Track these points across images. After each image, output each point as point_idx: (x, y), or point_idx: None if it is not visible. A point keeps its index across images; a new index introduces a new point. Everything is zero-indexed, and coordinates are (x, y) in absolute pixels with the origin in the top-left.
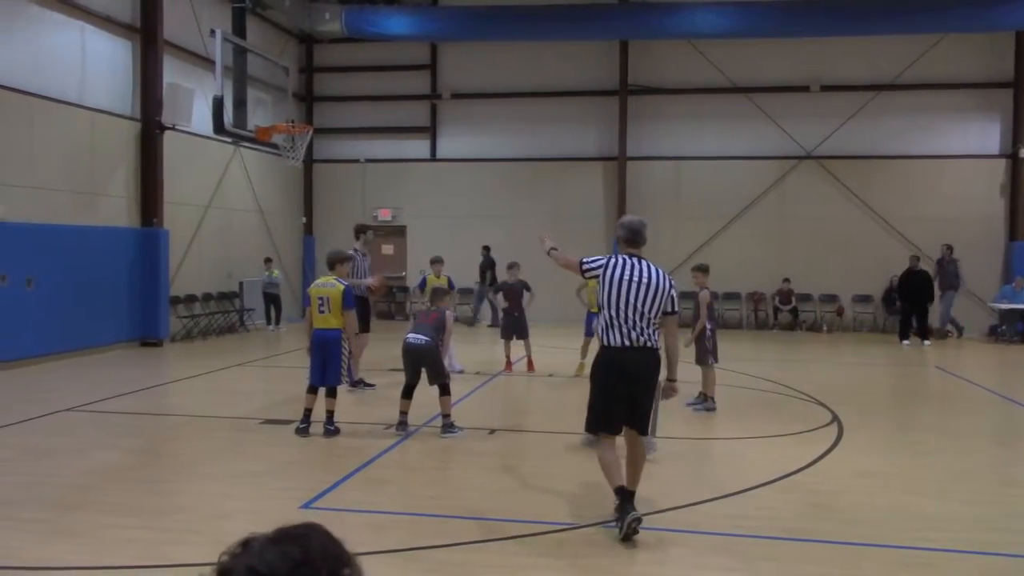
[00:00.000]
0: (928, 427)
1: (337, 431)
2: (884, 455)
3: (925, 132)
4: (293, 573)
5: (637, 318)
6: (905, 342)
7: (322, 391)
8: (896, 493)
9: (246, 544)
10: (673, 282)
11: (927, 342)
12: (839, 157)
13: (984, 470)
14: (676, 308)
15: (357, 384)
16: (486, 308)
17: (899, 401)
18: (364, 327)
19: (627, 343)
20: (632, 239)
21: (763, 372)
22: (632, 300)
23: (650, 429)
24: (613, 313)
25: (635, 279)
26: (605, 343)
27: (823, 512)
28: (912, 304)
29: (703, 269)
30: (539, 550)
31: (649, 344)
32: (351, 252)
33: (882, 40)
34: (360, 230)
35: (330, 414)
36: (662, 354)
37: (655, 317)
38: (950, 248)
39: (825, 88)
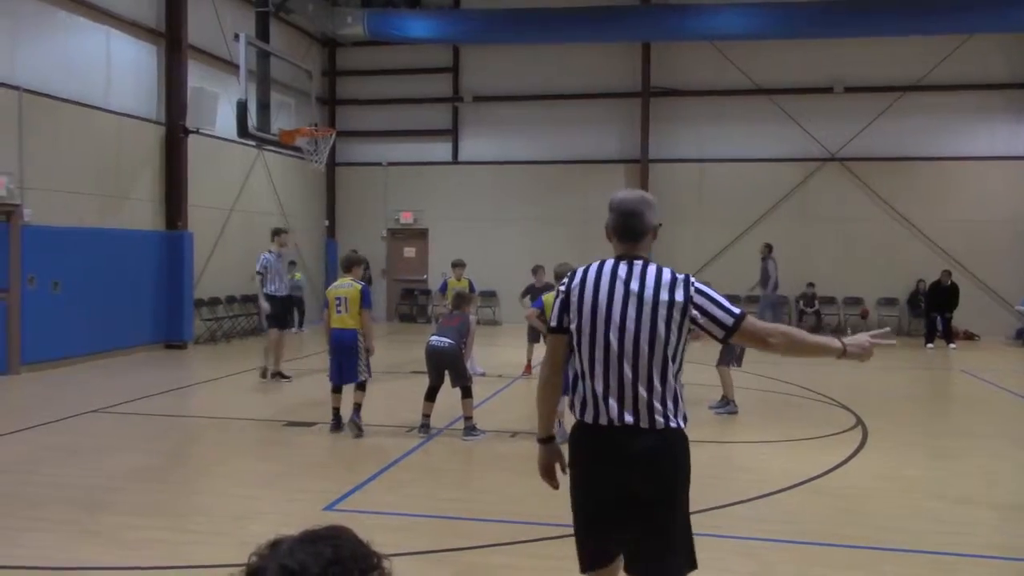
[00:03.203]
0: (953, 431)
1: (360, 429)
2: (909, 459)
3: (951, 133)
4: (325, 572)
5: (625, 366)
6: (930, 345)
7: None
8: (921, 497)
9: (275, 544)
10: (694, 286)
11: (953, 346)
12: (863, 159)
13: (1010, 474)
14: (733, 315)
15: (275, 376)
16: None
17: (924, 405)
18: (281, 325)
19: (609, 418)
20: (624, 229)
21: (786, 375)
22: (608, 334)
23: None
24: (585, 361)
25: (616, 291)
26: (577, 416)
27: (847, 516)
28: (939, 311)
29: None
30: (561, 552)
31: (657, 419)
32: (269, 254)
33: (907, 41)
34: (276, 232)
35: (357, 406)
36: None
37: (664, 361)
38: (769, 247)
39: (849, 89)
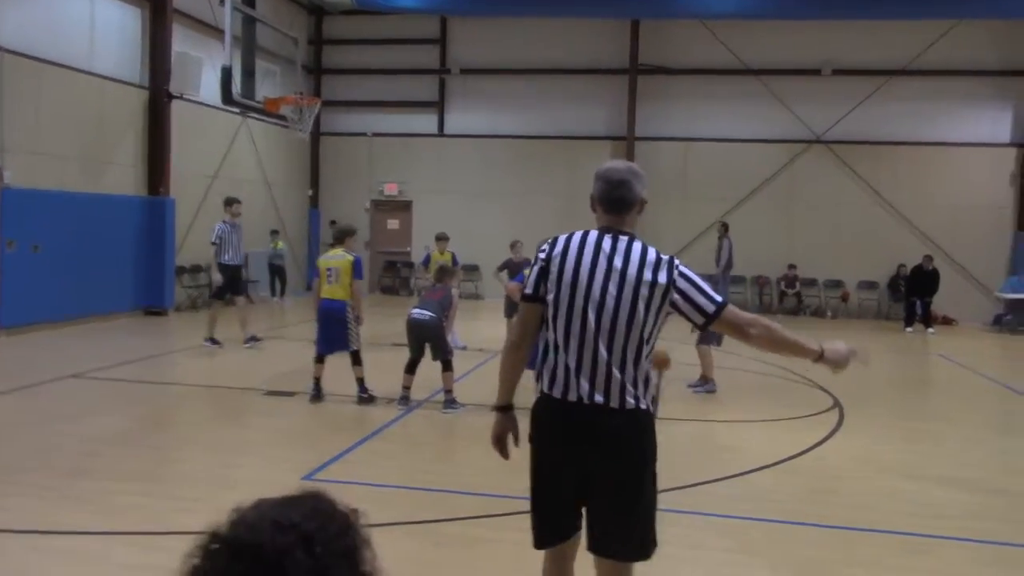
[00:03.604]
0: (930, 414)
1: (372, 399)
2: (885, 441)
3: (936, 119)
4: (308, 519)
5: (600, 345)
6: (909, 329)
7: (349, 361)
8: (896, 479)
9: (257, 504)
10: (675, 271)
11: (931, 330)
12: (849, 142)
13: (985, 458)
14: (714, 302)
15: (208, 341)
16: None
17: (901, 388)
18: (235, 292)
19: (579, 395)
20: (611, 199)
21: (765, 356)
22: (587, 309)
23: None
24: (560, 334)
25: (599, 266)
26: (544, 388)
27: (822, 496)
28: (919, 296)
29: None
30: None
31: (628, 400)
32: (223, 224)
33: (896, 25)
34: (227, 202)
35: (360, 381)
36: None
37: (639, 342)
38: (725, 227)
39: (837, 72)
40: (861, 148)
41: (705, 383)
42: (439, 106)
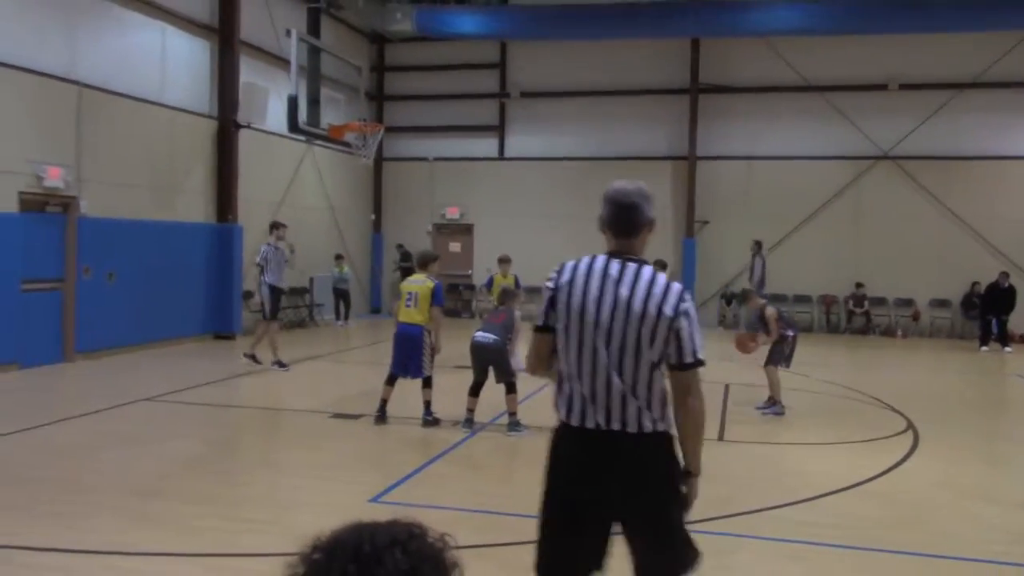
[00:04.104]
0: (1008, 436)
1: (436, 421)
2: (962, 464)
3: (1007, 132)
4: (402, 531)
5: (613, 374)
6: (984, 348)
7: (414, 384)
8: (977, 503)
9: (352, 523)
10: (683, 304)
11: (1008, 349)
12: (917, 157)
13: None
14: (693, 357)
15: (247, 357)
16: None
17: (978, 409)
18: (272, 315)
19: (596, 422)
20: (620, 222)
21: (835, 377)
22: (596, 340)
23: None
24: (572, 364)
25: (605, 295)
26: (562, 417)
27: (900, 522)
28: (995, 314)
29: (746, 296)
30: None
31: (645, 424)
32: (268, 246)
33: (963, 37)
34: (273, 226)
35: (427, 404)
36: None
37: (650, 369)
38: (759, 244)
39: (904, 86)
40: (930, 163)
41: (773, 405)
42: (499, 130)
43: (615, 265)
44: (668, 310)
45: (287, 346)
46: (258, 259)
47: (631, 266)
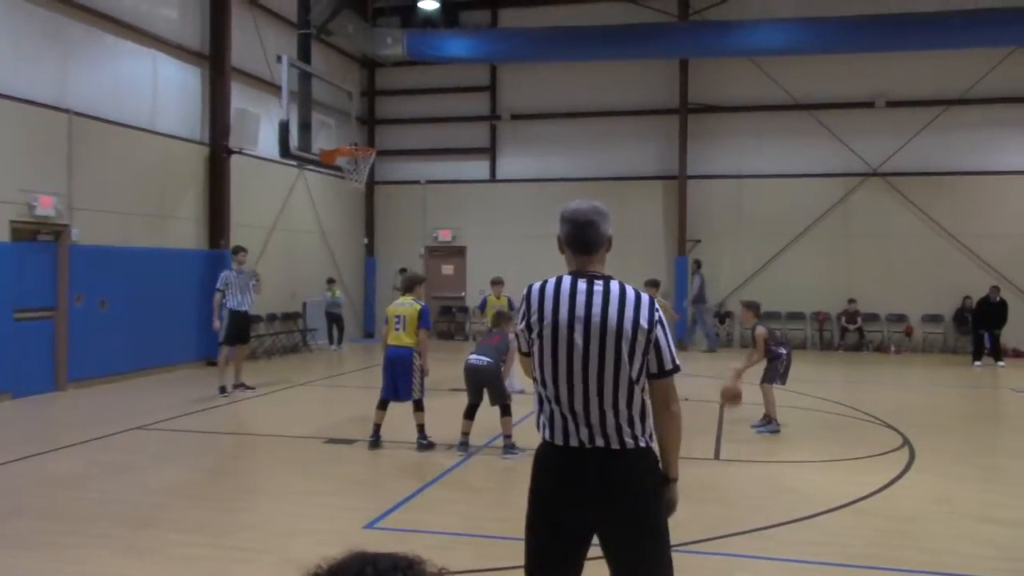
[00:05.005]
0: (1005, 451)
1: (431, 445)
2: (959, 480)
3: (995, 147)
4: (401, 559)
5: (591, 392)
6: (977, 363)
7: (408, 408)
8: (974, 520)
9: (351, 551)
10: (656, 313)
11: (1001, 363)
12: (906, 174)
13: None
14: (672, 364)
15: (237, 387)
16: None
17: (973, 424)
18: (241, 340)
19: (580, 440)
20: (579, 241)
21: (829, 393)
22: (572, 360)
23: None
24: (550, 386)
25: (577, 315)
26: (545, 436)
27: (896, 539)
28: (987, 328)
29: (751, 306)
30: (603, 573)
31: (627, 441)
32: (229, 271)
33: (950, 53)
34: (234, 251)
35: (420, 428)
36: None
37: (629, 384)
38: (697, 263)
39: (891, 103)
40: (919, 179)
41: (768, 423)
42: (490, 152)
43: (582, 284)
44: (644, 323)
45: (277, 371)
46: (218, 284)
47: (598, 284)
